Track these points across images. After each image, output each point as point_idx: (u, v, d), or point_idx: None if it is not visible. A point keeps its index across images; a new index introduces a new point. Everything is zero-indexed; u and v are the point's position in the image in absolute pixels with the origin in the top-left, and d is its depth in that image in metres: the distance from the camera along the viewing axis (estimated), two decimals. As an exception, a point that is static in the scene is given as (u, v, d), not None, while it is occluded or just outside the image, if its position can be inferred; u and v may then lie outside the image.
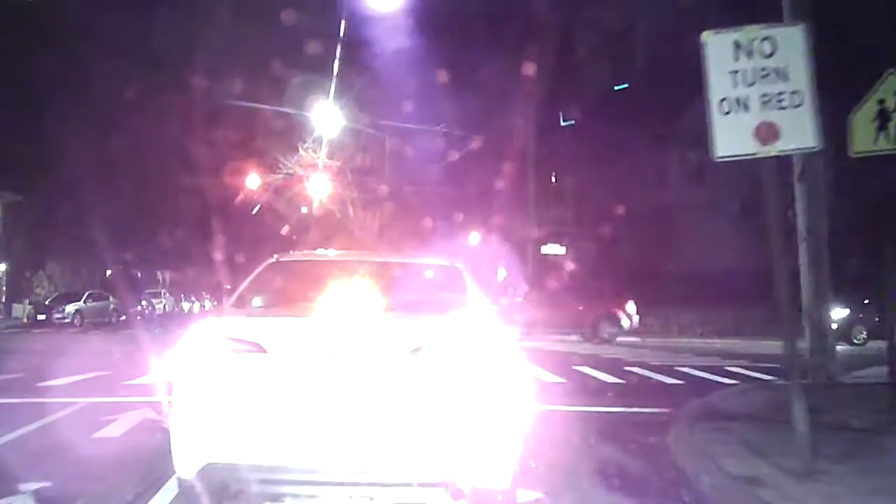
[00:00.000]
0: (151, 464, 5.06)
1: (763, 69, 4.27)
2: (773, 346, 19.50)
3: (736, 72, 4.28)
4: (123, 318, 30.41)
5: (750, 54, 4.28)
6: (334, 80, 23.04)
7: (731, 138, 4.32)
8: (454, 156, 26.94)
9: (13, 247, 33.81)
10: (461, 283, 4.73)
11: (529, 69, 23.91)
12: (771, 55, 4.27)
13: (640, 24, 25.90)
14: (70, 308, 28.21)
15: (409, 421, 3.78)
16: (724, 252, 25.58)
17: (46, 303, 29.21)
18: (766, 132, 4.27)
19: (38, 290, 33.57)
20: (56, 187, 30.70)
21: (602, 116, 25.80)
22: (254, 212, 29.48)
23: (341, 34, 21.60)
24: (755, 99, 4.27)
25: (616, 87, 25.25)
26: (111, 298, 30.98)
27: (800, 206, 10.06)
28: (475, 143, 26.45)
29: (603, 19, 25.60)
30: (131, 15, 30.39)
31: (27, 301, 30.71)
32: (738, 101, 4.29)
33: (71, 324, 27.54)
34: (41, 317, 27.77)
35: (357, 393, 3.83)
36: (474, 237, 27.98)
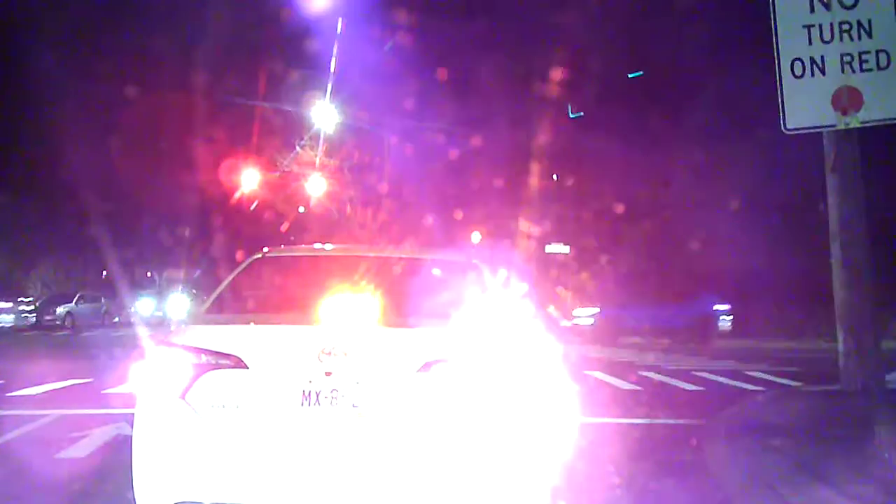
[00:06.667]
0: (116, 493, 4.33)
1: (844, 23, 3.54)
2: (787, 348, 18.94)
3: (812, 26, 3.57)
4: (117, 319, 29.76)
5: (828, 5, 3.56)
6: (332, 77, 22.48)
7: (805, 106, 3.61)
8: (455, 152, 26.31)
9: (5, 247, 33.12)
10: (481, 282, 3.98)
11: (534, 62, 23.29)
12: (853, 6, 3.55)
13: (649, 17, 25.31)
14: (61, 310, 27.59)
15: (428, 456, 3.08)
16: (731, 251, 24.99)
17: (37, 304, 28.51)
18: (847, 99, 3.55)
19: (30, 292, 32.84)
20: (51, 186, 30.10)
21: (614, 109, 25.21)
22: (251, 208, 28.82)
23: (339, 31, 21.03)
24: (834, 59, 3.56)
25: (630, 75, 24.62)
26: (103, 300, 30.27)
27: (832, 200, 9.35)
28: (476, 139, 25.82)
29: (610, 12, 25.00)
30: (128, 13, 29.87)
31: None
32: (813, 61, 3.57)
33: (62, 326, 26.92)
34: (32, 319, 27.12)
35: (360, 417, 3.11)
36: (476, 236, 27.34)
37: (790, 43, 3.66)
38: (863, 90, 3.58)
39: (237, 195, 28.33)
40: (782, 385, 10.97)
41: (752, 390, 10.27)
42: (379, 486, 3.06)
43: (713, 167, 25.31)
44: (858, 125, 3.65)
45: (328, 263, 4.56)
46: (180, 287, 34.81)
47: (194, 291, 30.61)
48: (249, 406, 3.16)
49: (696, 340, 19.31)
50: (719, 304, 21.00)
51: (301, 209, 29.98)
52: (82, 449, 5.83)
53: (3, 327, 26.23)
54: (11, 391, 9.03)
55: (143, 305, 30.67)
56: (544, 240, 27.80)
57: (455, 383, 3.16)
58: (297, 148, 27.85)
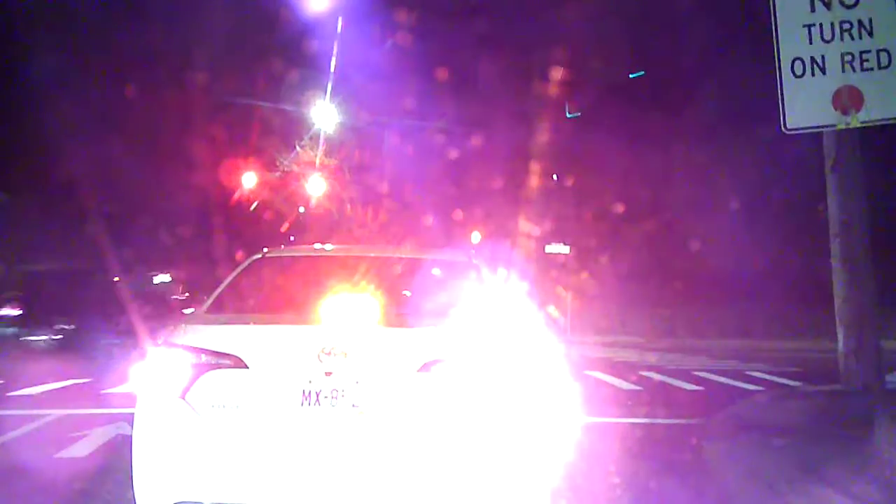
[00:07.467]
0: (116, 493, 4.34)
1: (844, 22, 3.54)
2: (787, 348, 19.00)
3: (812, 25, 3.56)
4: None
5: (829, 4, 3.56)
6: (332, 76, 22.47)
7: (805, 106, 3.61)
8: (455, 152, 26.30)
9: (5, 247, 33.09)
10: (481, 282, 3.99)
11: (534, 62, 23.32)
12: (854, 5, 3.55)
13: (648, 17, 25.30)
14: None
15: (428, 456, 3.08)
16: (726, 251, 24.97)
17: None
18: (847, 98, 3.54)
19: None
20: (51, 186, 30.06)
21: (614, 108, 25.25)
22: (252, 208, 28.79)
23: (339, 30, 21.03)
24: (834, 59, 3.55)
25: (632, 75, 24.58)
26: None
27: (832, 199, 9.32)
28: (476, 139, 25.82)
29: (610, 12, 24.99)
30: (128, 12, 29.85)
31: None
32: (813, 61, 3.57)
33: (61, 326, 26.81)
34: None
35: (360, 417, 3.11)
36: (476, 236, 27.37)
37: (790, 42, 3.66)
38: (863, 89, 3.58)
39: (237, 195, 28.32)
40: (782, 385, 10.97)
41: (752, 390, 10.28)
42: (379, 485, 3.06)
43: (713, 167, 25.32)
44: (858, 125, 3.65)
45: (328, 263, 4.56)
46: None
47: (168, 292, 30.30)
48: (249, 406, 3.16)
49: None
50: None
51: (301, 209, 29.96)
52: (82, 449, 5.83)
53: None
54: (11, 391, 9.04)
55: None
56: (544, 240, 27.77)
57: (455, 383, 3.16)
58: (297, 148, 27.81)
